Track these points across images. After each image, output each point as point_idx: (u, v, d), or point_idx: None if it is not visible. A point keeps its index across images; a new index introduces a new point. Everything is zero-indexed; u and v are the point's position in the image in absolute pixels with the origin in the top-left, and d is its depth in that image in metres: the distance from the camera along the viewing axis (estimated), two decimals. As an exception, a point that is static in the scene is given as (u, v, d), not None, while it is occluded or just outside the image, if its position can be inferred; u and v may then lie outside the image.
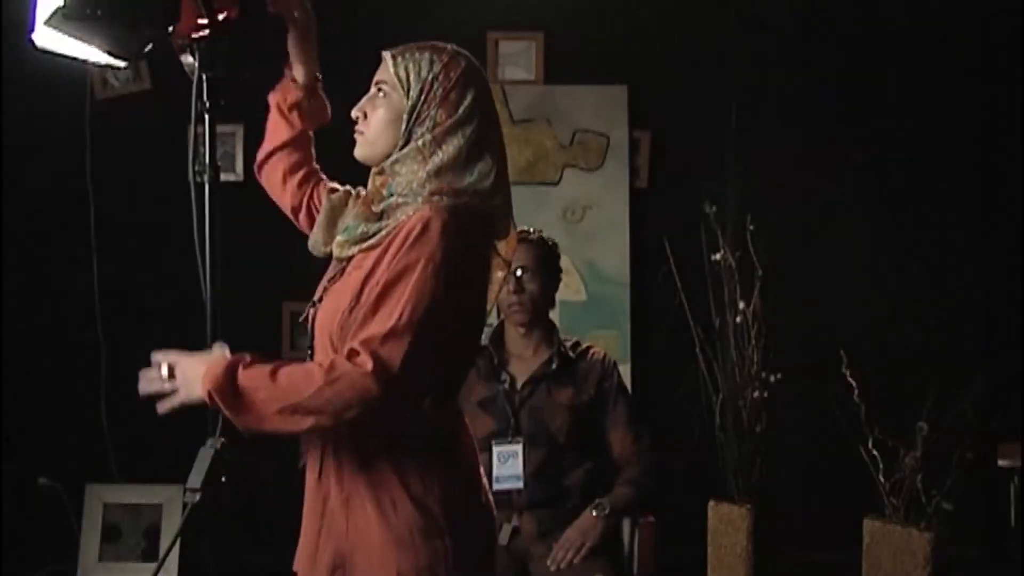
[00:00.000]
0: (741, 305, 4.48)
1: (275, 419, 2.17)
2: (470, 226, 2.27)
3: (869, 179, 5.04)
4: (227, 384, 2.17)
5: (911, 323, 4.97)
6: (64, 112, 4.75)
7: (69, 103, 4.72)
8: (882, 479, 4.10)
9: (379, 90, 2.38)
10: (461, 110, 2.33)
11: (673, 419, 4.66)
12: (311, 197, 2.64)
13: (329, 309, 2.34)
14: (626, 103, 5.10)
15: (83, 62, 2.53)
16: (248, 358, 2.21)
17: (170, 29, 2.34)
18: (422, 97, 2.33)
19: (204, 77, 2.36)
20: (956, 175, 5.10)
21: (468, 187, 2.30)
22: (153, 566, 4.54)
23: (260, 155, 2.70)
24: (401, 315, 2.15)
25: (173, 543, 2.32)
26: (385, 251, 2.24)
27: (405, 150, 2.33)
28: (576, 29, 5.13)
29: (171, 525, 4.59)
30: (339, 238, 2.39)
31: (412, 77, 2.34)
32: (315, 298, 2.43)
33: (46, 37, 2.40)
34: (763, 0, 5.01)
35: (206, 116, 2.38)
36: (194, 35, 2.34)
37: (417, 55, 2.36)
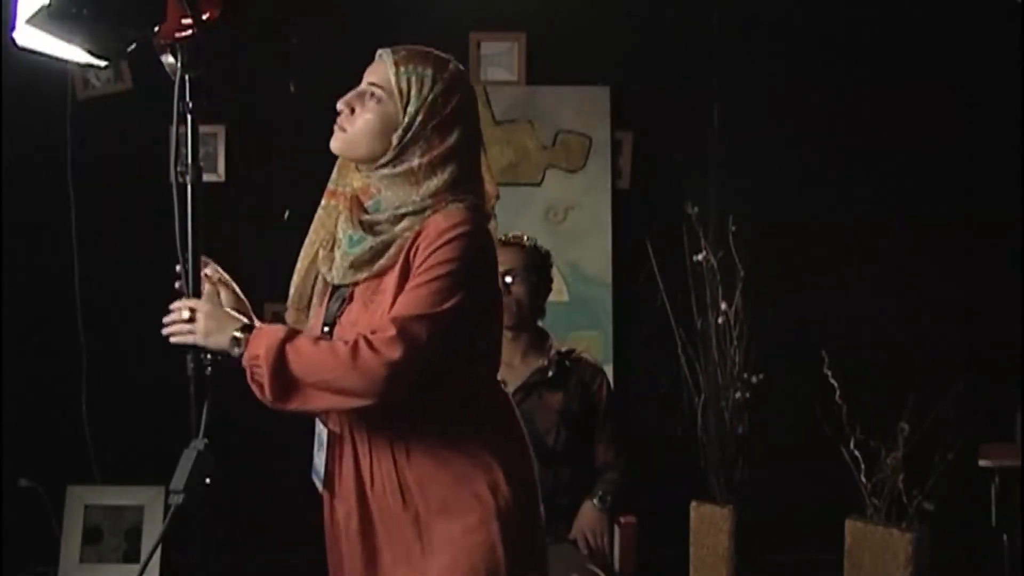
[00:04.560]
0: (723, 306, 4.49)
1: (311, 394, 2.19)
2: (484, 226, 2.31)
3: (851, 180, 5.05)
4: (279, 357, 2.17)
5: (893, 324, 4.99)
6: (45, 112, 4.74)
7: (50, 103, 4.72)
8: (864, 479, 4.10)
9: (372, 92, 2.32)
10: (455, 137, 2.32)
11: (655, 420, 4.67)
12: None
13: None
14: (608, 104, 5.10)
15: (64, 61, 2.52)
16: (288, 332, 2.22)
17: (154, 29, 2.33)
18: (419, 117, 2.29)
19: (187, 77, 2.35)
20: (938, 176, 5.11)
21: (467, 200, 2.31)
22: (133, 568, 4.53)
23: None
24: (435, 302, 2.18)
25: (157, 545, 2.31)
26: (410, 259, 2.23)
27: (396, 169, 2.30)
28: (558, 30, 5.12)
29: (152, 526, 4.58)
30: (343, 260, 2.34)
31: (413, 92, 2.29)
32: (322, 326, 2.37)
33: (28, 36, 2.39)
34: (746, 1, 5.02)
35: (188, 116, 2.37)
36: (178, 35, 2.33)
37: (420, 68, 2.31)
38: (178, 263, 2.35)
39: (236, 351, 2.23)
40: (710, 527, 4.26)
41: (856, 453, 4.09)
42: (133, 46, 2.40)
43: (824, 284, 5.00)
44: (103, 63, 2.49)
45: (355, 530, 2.35)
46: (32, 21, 2.34)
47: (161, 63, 2.39)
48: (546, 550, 2.44)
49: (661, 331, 4.69)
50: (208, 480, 2.23)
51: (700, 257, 4.57)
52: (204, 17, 2.34)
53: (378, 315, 2.23)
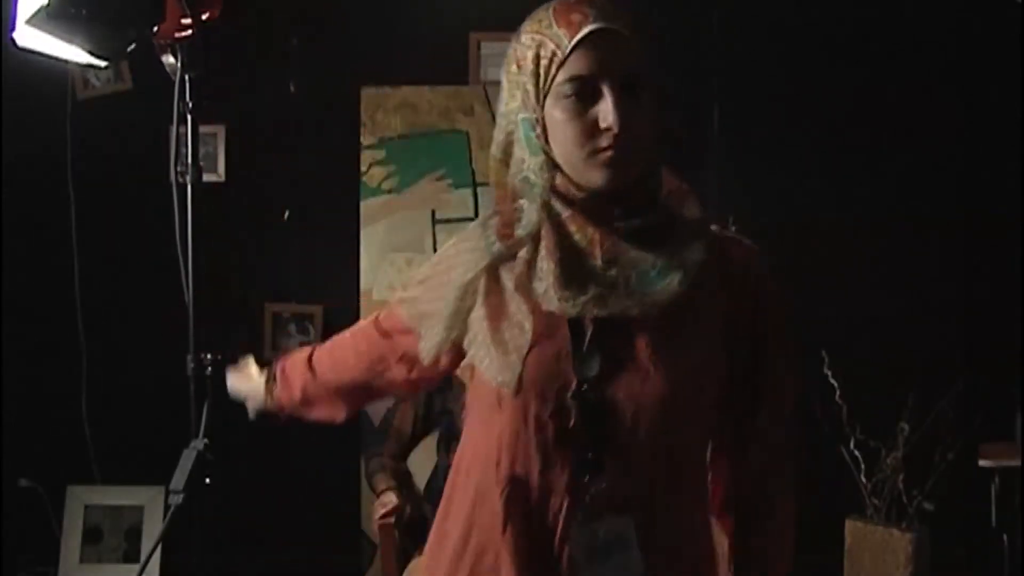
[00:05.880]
0: (723, 306, 4.48)
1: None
2: None
3: (851, 180, 5.05)
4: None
5: (893, 324, 4.98)
6: (45, 112, 4.74)
7: (50, 103, 4.72)
8: (864, 479, 4.11)
9: (636, 87, 1.70)
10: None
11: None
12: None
13: (653, 389, 1.75)
14: (608, 104, 5.09)
15: (65, 61, 2.52)
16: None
17: (154, 29, 2.33)
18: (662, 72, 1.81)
19: (186, 77, 2.35)
20: (938, 176, 5.11)
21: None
22: (133, 568, 4.53)
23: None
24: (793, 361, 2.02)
25: (156, 544, 2.31)
26: (716, 297, 1.84)
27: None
28: (558, 30, 5.11)
29: (152, 526, 4.58)
30: (640, 300, 1.72)
31: (654, 48, 1.74)
32: (588, 373, 1.73)
33: (28, 36, 2.39)
34: (746, 1, 5.01)
35: (188, 116, 2.37)
36: (178, 35, 2.33)
37: (632, 21, 1.71)
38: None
39: None
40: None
41: (856, 453, 4.09)
42: (133, 46, 2.40)
43: (824, 284, 4.99)
44: (103, 63, 2.49)
45: None
46: (32, 21, 2.34)
47: (161, 63, 2.40)
48: None
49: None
50: (208, 480, 2.23)
51: (700, 257, 4.56)
52: (204, 17, 2.34)
53: (690, 361, 1.78)
